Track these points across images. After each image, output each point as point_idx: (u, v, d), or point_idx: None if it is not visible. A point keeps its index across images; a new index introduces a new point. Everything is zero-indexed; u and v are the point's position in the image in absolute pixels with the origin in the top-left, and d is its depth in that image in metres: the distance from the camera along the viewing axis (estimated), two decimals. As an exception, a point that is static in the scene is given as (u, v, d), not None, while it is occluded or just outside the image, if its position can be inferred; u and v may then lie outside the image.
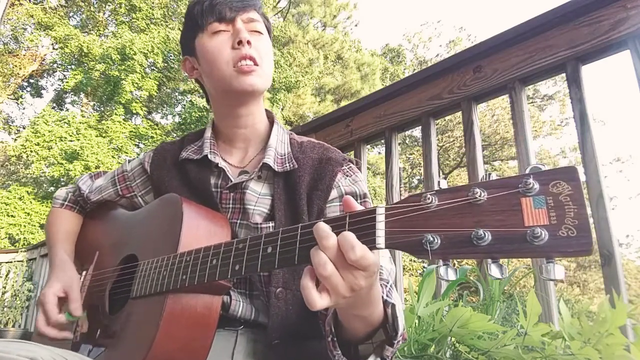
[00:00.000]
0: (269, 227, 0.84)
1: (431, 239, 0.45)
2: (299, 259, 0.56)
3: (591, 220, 1.06)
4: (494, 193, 0.44)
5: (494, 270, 0.44)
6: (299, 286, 0.80)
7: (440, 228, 0.45)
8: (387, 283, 0.71)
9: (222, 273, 0.65)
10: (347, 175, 0.88)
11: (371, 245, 0.50)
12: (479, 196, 0.44)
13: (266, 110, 0.99)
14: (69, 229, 1.07)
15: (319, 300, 0.51)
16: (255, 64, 0.85)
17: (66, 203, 1.10)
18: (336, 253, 0.50)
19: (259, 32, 0.89)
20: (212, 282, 0.70)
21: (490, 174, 0.46)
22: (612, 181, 16.63)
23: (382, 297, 0.63)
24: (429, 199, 0.47)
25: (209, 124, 0.99)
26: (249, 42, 0.84)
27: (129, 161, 1.07)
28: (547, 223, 0.40)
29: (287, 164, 0.87)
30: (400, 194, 1.68)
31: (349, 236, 0.49)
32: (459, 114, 1.49)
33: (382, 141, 1.76)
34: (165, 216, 0.84)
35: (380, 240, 0.49)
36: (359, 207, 0.54)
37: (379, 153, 17.04)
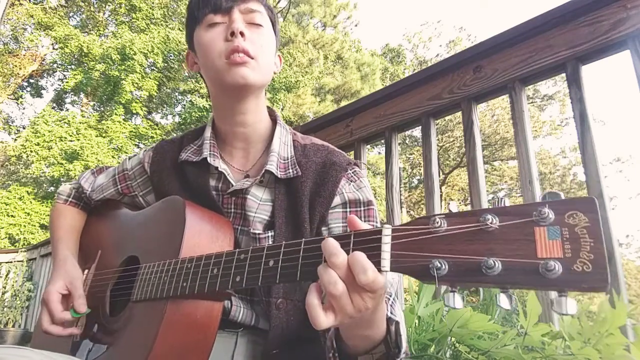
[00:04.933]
0: (268, 236, 0.83)
1: (439, 265, 0.44)
2: (301, 275, 0.55)
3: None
4: (507, 220, 0.42)
5: (502, 301, 0.42)
6: (300, 297, 0.81)
7: (448, 254, 0.44)
8: (390, 296, 0.70)
9: (222, 284, 0.64)
10: (351, 181, 0.85)
11: (376, 267, 0.48)
12: (491, 223, 0.42)
13: (268, 108, 0.95)
14: (73, 225, 1.06)
15: (325, 320, 0.50)
16: (250, 56, 0.80)
17: (70, 199, 1.09)
18: (345, 272, 0.49)
19: (258, 24, 0.84)
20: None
21: (503, 199, 0.44)
22: (612, 181, 16.64)
23: (387, 314, 0.62)
24: (437, 222, 0.46)
25: (209, 122, 0.95)
26: (242, 34, 0.79)
27: (129, 158, 1.05)
28: (562, 256, 0.39)
29: (290, 170, 0.85)
30: (400, 194, 1.68)
31: (361, 257, 0.48)
32: (459, 114, 1.49)
33: (382, 141, 1.76)
34: (168, 219, 0.83)
35: (386, 263, 0.48)
36: (363, 226, 0.53)
37: (379, 153, 17.03)
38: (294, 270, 0.55)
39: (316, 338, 0.77)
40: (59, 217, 1.06)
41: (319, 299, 0.50)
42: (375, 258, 0.48)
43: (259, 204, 0.85)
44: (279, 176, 0.84)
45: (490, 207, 0.45)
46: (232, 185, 0.86)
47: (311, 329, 0.77)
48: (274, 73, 0.92)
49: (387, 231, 0.49)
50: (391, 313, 0.64)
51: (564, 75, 1.24)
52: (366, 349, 0.63)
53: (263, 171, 0.84)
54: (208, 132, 0.92)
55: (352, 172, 0.86)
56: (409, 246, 0.47)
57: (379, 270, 0.48)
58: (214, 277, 0.65)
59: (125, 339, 0.77)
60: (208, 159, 0.87)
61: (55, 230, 1.04)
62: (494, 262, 0.41)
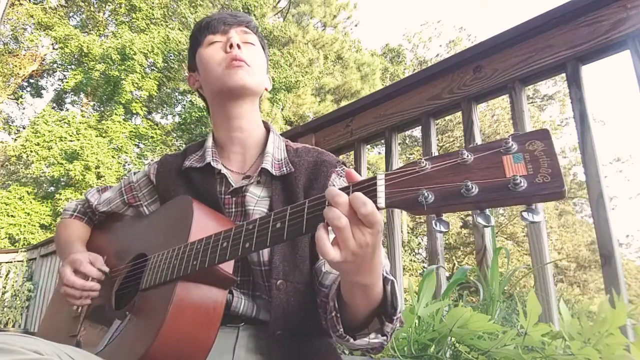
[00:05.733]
0: None
1: (426, 194, 0.51)
2: (307, 229, 0.60)
3: (590, 220, 1.06)
4: (479, 154, 0.50)
5: (480, 219, 0.49)
6: (299, 279, 0.84)
7: (433, 185, 0.51)
8: (383, 268, 0.74)
9: (232, 252, 0.67)
10: (340, 176, 0.92)
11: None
12: (467, 157, 0.50)
13: (263, 121, 1.04)
14: (79, 235, 1.11)
15: (332, 251, 0.55)
16: (246, 63, 0.92)
17: (75, 214, 1.15)
18: (348, 210, 0.55)
19: (251, 43, 0.97)
20: (221, 272, 0.73)
21: (476, 142, 0.53)
22: (612, 181, 16.65)
23: (382, 274, 0.66)
24: (423, 163, 0.53)
25: (209, 135, 1.03)
26: (239, 46, 0.92)
27: (134, 173, 1.11)
28: (526, 173, 0.46)
29: (284, 168, 0.92)
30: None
31: (361, 194, 0.55)
32: (459, 114, 1.49)
33: (382, 141, 1.76)
34: (176, 214, 0.86)
35: (381, 200, 0.54)
36: (361, 179, 0.59)
37: (379, 153, 17.02)
38: (299, 226, 0.60)
39: (318, 326, 0.79)
40: (66, 229, 1.12)
41: (326, 234, 0.56)
42: (372, 198, 0.55)
43: (258, 200, 0.91)
44: (275, 174, 0.91)
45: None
46: (232, 186, 0.92)
47: (312, 312, 0.82)
48: (265, 89, 1.02)
49: (380, 176, 0.56)
50: (386, 274, 0.69)
51: (564, 75, 1.24)
52: (365, 311, 0.68)
53: (259, 169, 0.91)
54: (209, 142, 1.00)
55: (341, 169, 0.94)
56: (400, 185, 0.54)
57: (376, 208, 0.55)
58: (224, 249, 0.69)
59: (135, 324, 0.78)
60: (211, 163, 0.94)
61: (64, 239, 1.09)
62: (471, 185, 0.48)
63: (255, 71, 0.94)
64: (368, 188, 0.56)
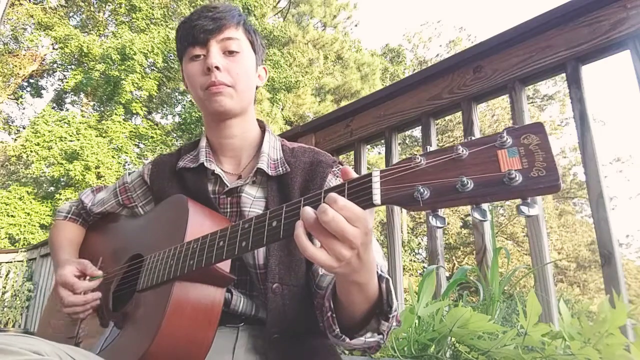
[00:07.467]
0: None
1: (422, 190, 0.51)
2: None
3: (590, 220, 1.07)
4: (474, 149, 0.50)
5: (476, 214, 0.49)
6: (295, 282, 0.84)
7: (429, 181, 0.51)
8: (379, 267, 0.74)
9: (229, 252, 0.67)
10: (337, 177, 0.92)
11: (369, 202, 0.55)
12: (462, 152, 0.50)
13: (258, 120, 1.03)
14: (72, 239, 1.10)
15: (313, 250, 0.54)
16: (227, 85, 0.89)
17: (69, 216, 1.14)
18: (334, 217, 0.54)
19: (235, 51, 0.91)
20: (217, 271, 0.73)
21: (472, 137, 0.52)
22: (612, 181, 16.65)
23: (377, 271, 0.66)
24: (418, 159, 0.53)
25: (203, 134, 1.03)
26: (217, 68, 0.87)
27: (129, 173, 1.10)
28: (520, 167, 0.46)
29: (280, 168, 0.91)
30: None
31: (333, 195, 0.54)
32: (459, 114, 1.49)
33: (382, 141, 1.76)
34: (171, 213, 0.86)
35: (377, 197, 0.54)
36: (355, 176, 0.59)
37: (379, 153, 17.01)
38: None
39: (315, 327, 0.80)
40: (59, 232, 1.11)
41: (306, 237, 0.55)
42: (367, 195, 0.55)
43: (253, 201, 0.91)
44: (270, 174, 0.90)
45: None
46: (227, 186, 0.91)
47: (308, 314, 0.82)
48: (257, 87, 1.00)
49: (376, 173, 0.56)
50: (381, 272, 0.69)
51: (564, 75, 1.24)
52: (361, 310, 0.67)
53: (255, 169, 0.91)
54: (203, 142, 1.00)
55: (337, 169, 0.93)
56: (395, 181, 0.54)
57: (372, 205, 0.54)
58: (221, 249, 0.68)
59: (133, 325, 0.78)
60: (205, 163, 0.93)
61: (56, 243, 1.08)
62: (466, 180, 0.48)
63: (239, 90, 0.90)
64: (363, 185, 0.56)
